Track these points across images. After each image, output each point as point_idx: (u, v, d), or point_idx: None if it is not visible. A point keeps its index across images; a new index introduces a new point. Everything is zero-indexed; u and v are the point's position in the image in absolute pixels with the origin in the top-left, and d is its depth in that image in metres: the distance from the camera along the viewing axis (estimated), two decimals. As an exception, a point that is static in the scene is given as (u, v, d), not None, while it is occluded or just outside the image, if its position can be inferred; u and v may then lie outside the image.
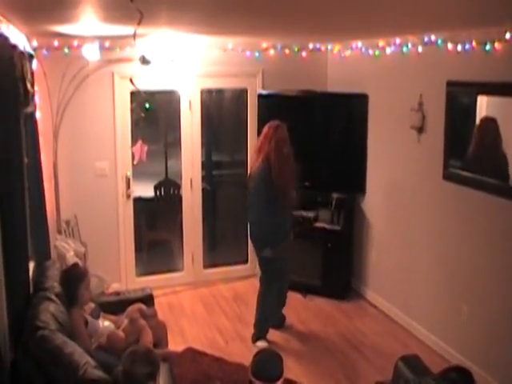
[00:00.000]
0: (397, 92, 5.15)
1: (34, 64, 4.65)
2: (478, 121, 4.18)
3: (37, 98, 4.81)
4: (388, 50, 5.14)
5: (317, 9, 3.07)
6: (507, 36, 3.78)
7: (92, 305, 3.71)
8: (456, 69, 4.36)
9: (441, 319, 4.69)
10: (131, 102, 5.43)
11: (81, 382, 2.75)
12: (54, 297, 3.40)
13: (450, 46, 4.33)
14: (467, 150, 4.34)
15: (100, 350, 3.45)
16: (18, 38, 3.92)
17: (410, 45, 4.82)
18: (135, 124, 5.54)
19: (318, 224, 5.73)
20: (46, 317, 3.09)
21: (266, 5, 2.98)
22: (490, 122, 4.08)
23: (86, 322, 3.52)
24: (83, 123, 5.44)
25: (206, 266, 6.26)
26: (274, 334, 4.92)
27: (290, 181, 4.56)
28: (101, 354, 3.31)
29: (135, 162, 5.47)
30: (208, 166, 6.98)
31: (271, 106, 5.85)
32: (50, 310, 3.20)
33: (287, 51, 5.97)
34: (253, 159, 4.80)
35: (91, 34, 4.79)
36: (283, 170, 4.51)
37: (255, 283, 5.03)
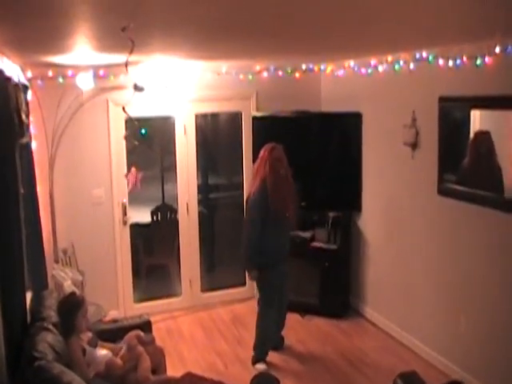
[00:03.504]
0: (390, 109, 5.19)
1: (29, 94, 4.69)
2: (471, 135, 4.20)
3: (32, 128, 4.84)
4: (380, 68, 5.18)
5: (308, 30, 3.11)
6: (497, 50, 3.81)
7: (89, 333, 3.70)
8: (448, 84, 4.40)
9: (439, 333, 4.68)
10: (126, 129, 5.45)
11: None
12: (51, 326, 3.40)
13: (441, 61, 4.37)
14: (461, 165, 4.36)
15: (98, 378, 3.44)
16: (13, 69, 3.96)
17: (401, 62, 4.86)
18: (130, 151, 5.57)
19: (315, 244, 5.74)
20: (43, 347, 3.09)
21: (256, 28, 3.02)
22: (483, 136, 4.10)
23: (84, 351, 3.51)
24: (79, 152, 5.46)
25: (203, 290, 6.24)
26: (272, 356, 4.90)
27: (289, 202, 4.55)
28: (99, 382, 3.30)
29: (129, 190, 5.49)
30: (204, 189, 6.99)
31: (266, 127, 5.88)
32: (48, 340, 3.20)
33: (280, 73, 6.01)
34: (250, 183, 4.79)
35: (85, 63, 4.84)
36: (280, 191, 4.50)
37: (254, 305, 5.01)
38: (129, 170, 5.54)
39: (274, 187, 4.50)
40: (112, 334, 3.96)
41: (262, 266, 4.62)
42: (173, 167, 6.14)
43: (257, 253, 4.57)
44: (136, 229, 6.10)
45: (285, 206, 4.54)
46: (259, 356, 4.79)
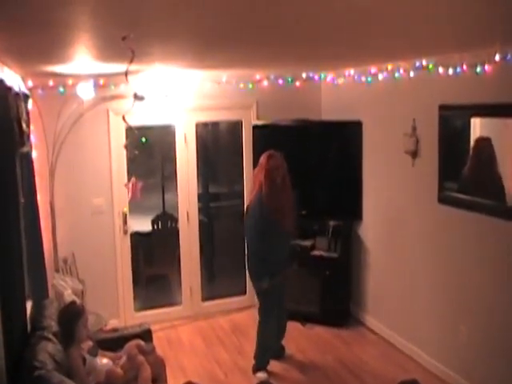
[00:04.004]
0: (390, 117, 5.20)
1: (30, 104, 4.70)
2: (472, 143, 4.21)
3: (32, 138, 4.85)
4: (380, 77, 5.19)
5: (309, 39, 3.12)
6: (497, 58, 3.83)
7: (90, 343, 3.69)
8: (448, 92, 4.40)
9: (440, 342, 4.67)
10: (126, 138, 5.46)
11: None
12: (51, 336, 3.39)
13: (441, 69, 4.38)
14: (462, 173, 4.36)
15: (98, 387, 3.42)
16: (13, 79, 3.98)
17: (401, 70, 4.87)
18: (131, 160, 5.57)
19: (316, 252, 5.74)
20: (43, 356, 3.08)
21: (255, 38, 3.03)
22: (484, 142, 4.10)
23: (84, 360, 3.49)
24: (79, 161, 5.46)
25: (204, 299, 6.23)
26: (273, 365, 4.89)
27: (286, 210, 4.50)
28: (99, 392, 3.28)
29: (129, 199, 5.49)
30: (205, 198, 6.99)
31: (266, 136, 5.89)
32: (48, 350, 3.19)
33: (281, 81, 6.03)
34: (251, 189, 4.80)
35: (86, 73, 4.86)
36: (276, 200, 4.46)
37: (254, 314, 4.99)
38: (129, 179, 5.55)
39: (269, 196, 4.46)
40: (112, 343, 3.95)
41: (261, 275, 4.61)
42: (173, 176, 6.14)
43: (263, 263, 4.57)
44: (136, 237, 6.10)
45: (282, 215, 4.50)
46: (260, 365, 4.78)
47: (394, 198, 5.24)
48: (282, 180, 4.53)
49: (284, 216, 4.50)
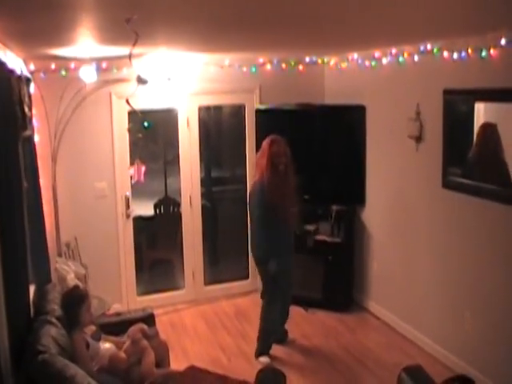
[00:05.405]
0: (394, 102, 5.17)
1: (32, 87, 4.67)
2: (476, 127, 4.18)
3: (35, 122, 4.83)
4: (384, 61, 5.16)
5: (313, 22, 3.09)
6: (502, 42, 3.79)
7: (93, 327, 3.69)
8: (452, 77, 4.37)
9: (444, 328, 4.67)
10: (129, 121, 5.43)
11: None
12: (54, 320, 3.39)
13: (445, 54, 4.35)
14: (466, 157, 4.34)
15: (102, 372, 3.44)
16: (15, 62, 3.95)
17: (406, 54, 4.84)
18: (134, 144, 5.55)
19: (319, 237, 5.73)
20: (46, 340, 3.08)
21: (261, 21, 3.00)
22: (490, 128, 4.08)
23: (88, 345, 3.50)
24: (81, 145, 5.44)
25: (207, 283, 6.25)
26: (276, 349, 4.90)
27: (287, 197, 4.49)
28: (103, 376, 3.30)
29: (133, 183, 5.49)
30: (207, 182, 6.98)
31: (269, 120, 5.86)
32: (51, 334, 3.19)
33: (284, 65, 5.99)
34: (253, 174, 4.79)
35: (88, 56, 4.82)
36: (278, 186, 4.45)
37: (256, 298, 4.99)
38: (132, 162, 5.54)
39: (271, 183, 4.45)
40: (115, 328, 3.96)
41: (267, 259, 4.62)
42: (176, 160, 6.13)
43: (264, 247, 4.58)
44: (139, 222, 6.10)
45: (284, 202, 4.49)
46: (263, 349, 4.79)
47: (398, 183, 5.22)
48: (285, 167, 4.51)
49: (286, 202, 4.50)
